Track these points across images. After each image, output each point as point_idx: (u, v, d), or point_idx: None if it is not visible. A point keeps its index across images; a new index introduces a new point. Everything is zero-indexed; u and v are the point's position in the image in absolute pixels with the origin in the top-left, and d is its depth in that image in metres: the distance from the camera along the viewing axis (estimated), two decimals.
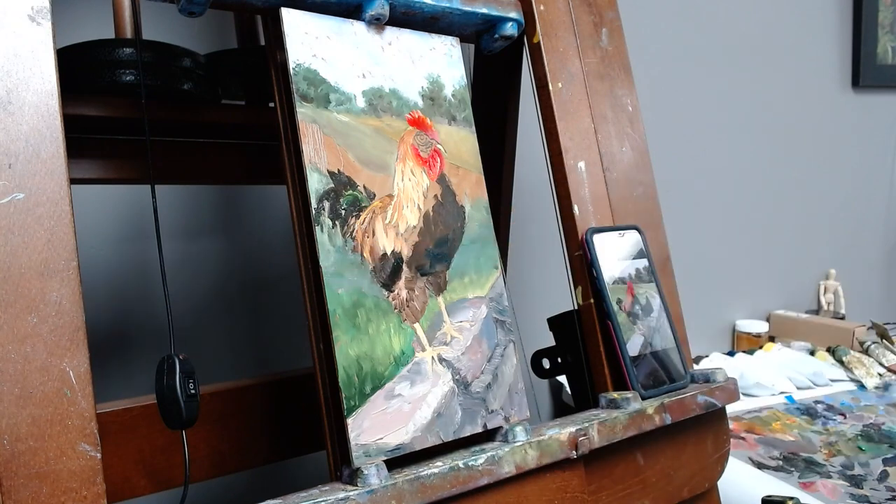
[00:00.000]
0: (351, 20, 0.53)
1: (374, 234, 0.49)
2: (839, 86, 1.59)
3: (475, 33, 0.62)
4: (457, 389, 0.51)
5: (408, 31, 0.56)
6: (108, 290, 0.87)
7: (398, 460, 0.46)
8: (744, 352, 1.33)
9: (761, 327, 1.42)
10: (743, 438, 0.95)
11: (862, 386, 1.17)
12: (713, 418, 0.64)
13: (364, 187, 0.50)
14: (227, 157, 0.74)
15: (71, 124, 0.45)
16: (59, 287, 0.39)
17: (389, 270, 0.50)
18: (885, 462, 0.87)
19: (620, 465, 0.57)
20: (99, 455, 0.38)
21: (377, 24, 0.54)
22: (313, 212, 0.47)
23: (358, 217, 0.49)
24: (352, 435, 0.44)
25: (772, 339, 1.44)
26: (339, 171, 0.49)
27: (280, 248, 0.98)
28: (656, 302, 0.64)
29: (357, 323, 0.47)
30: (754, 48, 1.44)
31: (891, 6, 1.59)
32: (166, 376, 0.49)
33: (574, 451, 0.52)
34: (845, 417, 1.03)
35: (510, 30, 0.61)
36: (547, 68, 0.64)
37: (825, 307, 1.57)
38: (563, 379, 0.85)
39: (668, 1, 1.32)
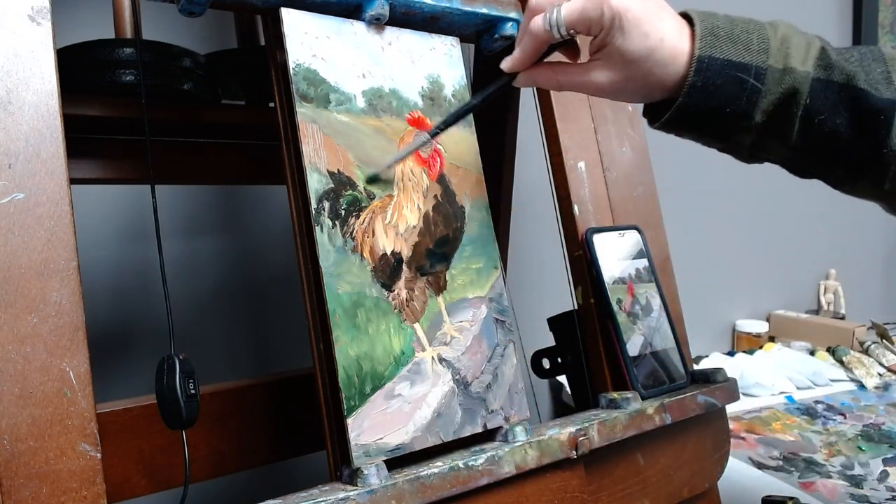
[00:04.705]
0: (351, 20, 0.53)
1: (374, 234, 0.49)
2: None
3: (475, 33, 0.62)
4: (457, 389, 0.50)
5: (408, 31, 0.56)
6: (108, 290, 0.87)
7: (398, 460, 0.46)
8: (744, 352, 1.33)
9: (761, 327, 1.42)
10: (743, 438, 0.95)
11: (862, 386, 1.17)
12: (713, 418, 0.64)
13: (364, 187, 0.50)
14: (227, 157, 0.74)
15: (71, 124, 0.45)
16: (59, 287, 0.39)
17: (389, 270, 0.50)
18: (885, 462, 0.87)
19: (620, 465, 0.57)
20: (99, 455, 0.38)
21: (377, 24, 0.54)
22: (313, 212, 0.47)
23: (358, 217, 0.49)
24: (352, 435, 0.44)
25: (772, 339, 1.44)
26: (338, 171, 0.49)
27: (280, 248, 0.98)
28: (656, 302, 0.64)
29: (357, 323, 0.47)
30: None
31: (891, 6, 1.59)
32: (166, 376, 0.49)
33: (574, 451, 0.52)
34: (845, 417, 1.03)
35: (510, 30, 0.61)
36: None
37: (825, 307, 1.57)
38: (563, 379, 0.85)
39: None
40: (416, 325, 0.50)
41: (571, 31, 0.47)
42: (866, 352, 1.28)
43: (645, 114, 0.52)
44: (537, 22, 0.48)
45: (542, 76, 0.50)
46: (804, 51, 0.46)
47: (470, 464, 0.46)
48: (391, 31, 0.55)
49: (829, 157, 0.48)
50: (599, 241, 0.62)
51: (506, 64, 0.51)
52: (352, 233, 0.48)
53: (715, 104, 0.46)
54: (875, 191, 0.49)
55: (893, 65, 0.46)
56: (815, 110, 0.45)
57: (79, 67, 0.61)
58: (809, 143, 0.47)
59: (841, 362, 1.25)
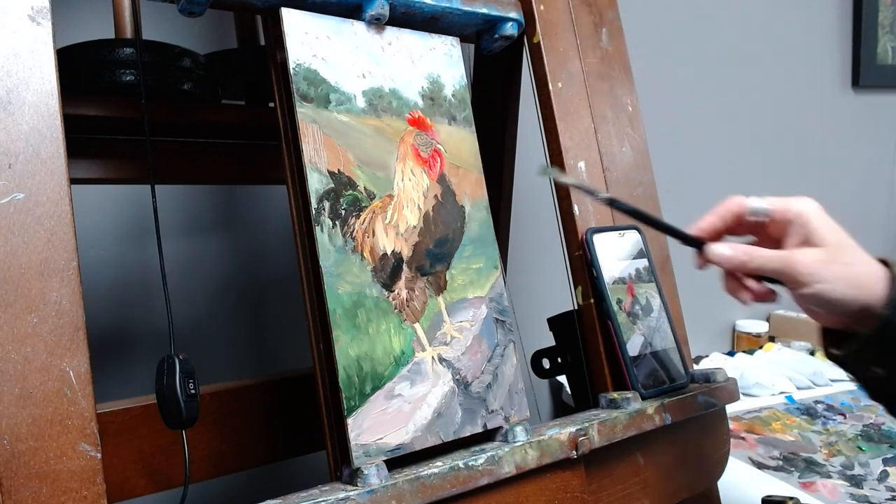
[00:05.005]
0: (351, 20, 0.53)
1: (374, 234, 0.49)
2: (839, 86, 1.59)
3: (475, 33, 0.62)
4: (457, 389, 0.50)
5: (408, 31, 0.56)
6: (108, 290, 0.87)
7: (398, 460, 0.46)
8: (744, 352, 1.33)
9: (761, 327, 1.42)
10: (743, 438, 0.95)
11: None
12: (713, 418, 0.64)
13: (364, 187, 0.50)
14: (227, 157, 0.74)
15: (71, 124, 0.45)
16: (59, 287, 0.39)
17: (389, 270, 0.50)
18: (885, 462, 0.87)
19: (620, 465, 0.57)
20: (99, 455, 0.38)
21: (377, 24, 0.54)
22: (313, 212, 0.47)
23: (358, 217, 0.49)
24: (352, 435, 0.44)
25: (772, 339, 1.44)
26: (339, 171, 0.49)
27: (280, 248, 0.98)
28: (656, 302, 0.64)
29: (357, 323, 0.47)
30: (754, 48, 1.44)
31: (891, 6, 1.59)
32: (166, 376, 0.49)
33: (574, 451, 0.52)
34: (845, 417, 1.03)
35: (510, 30, 0.61)
36: (547, 68, 0.64)
37: None
38: (563, 379, 0.85)
39: (668, 1, 1.32)
40: (416, 325, 0.50)
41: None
42: None
43: (825, 343, 0.52)
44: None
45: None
46: None
47: (470, 464, 0.46)
48: (391, 31, 0.55)
49: None
50: (599, 241, 0.62)
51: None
52: (352, 233, 0.48)
53: None
54: None
55: None
56: None
57: (79, 67, 0.61)
58: None
59: None
